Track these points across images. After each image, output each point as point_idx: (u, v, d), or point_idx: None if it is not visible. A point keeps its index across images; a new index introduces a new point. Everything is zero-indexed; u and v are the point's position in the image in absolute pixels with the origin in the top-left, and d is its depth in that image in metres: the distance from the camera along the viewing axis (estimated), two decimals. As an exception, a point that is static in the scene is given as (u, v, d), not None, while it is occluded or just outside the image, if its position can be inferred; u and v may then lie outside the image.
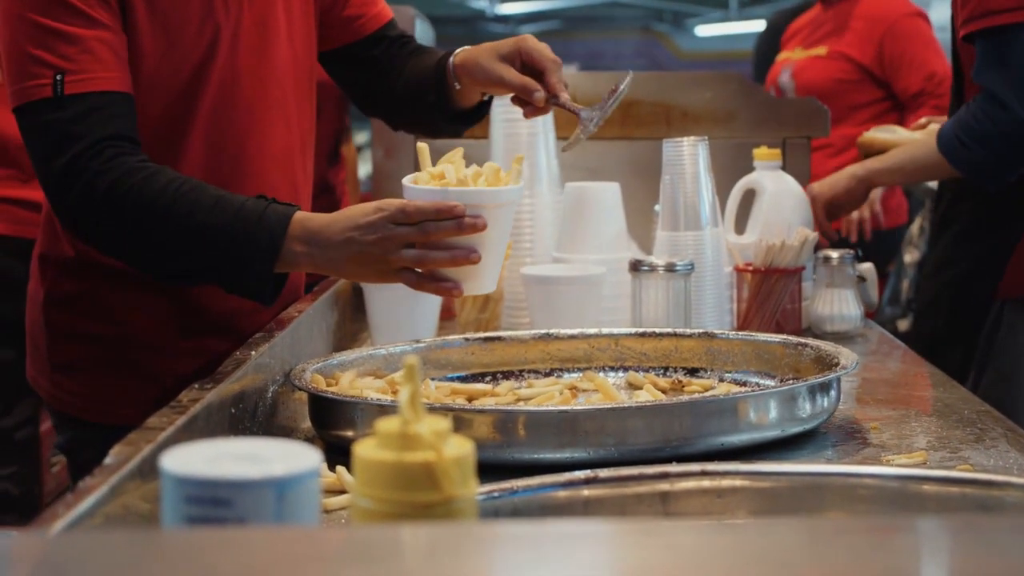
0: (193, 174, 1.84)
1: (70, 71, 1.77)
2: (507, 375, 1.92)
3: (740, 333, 1.94)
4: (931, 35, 4.10)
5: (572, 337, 1.95)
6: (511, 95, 1.98)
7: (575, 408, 1.57)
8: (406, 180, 1.74)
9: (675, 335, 1.94)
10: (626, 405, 1.59)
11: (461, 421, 1.50)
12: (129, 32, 1.84)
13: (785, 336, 1.92)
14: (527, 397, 1.79)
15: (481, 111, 2.10)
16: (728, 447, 1.56)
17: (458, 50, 2.05)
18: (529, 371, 1.93)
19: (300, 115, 2.06)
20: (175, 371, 1.95)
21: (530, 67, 1.95)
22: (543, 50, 1.96)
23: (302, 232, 1.72)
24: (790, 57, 4.28)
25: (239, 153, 1.96)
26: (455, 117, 2.10)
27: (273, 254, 1.72)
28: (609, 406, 1.58)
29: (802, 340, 1.86)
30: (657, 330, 1.96)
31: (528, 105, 1.94)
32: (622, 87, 1.95)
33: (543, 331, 1.96)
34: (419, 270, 1.69)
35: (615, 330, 1.97)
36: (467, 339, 1.93)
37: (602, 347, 1.94)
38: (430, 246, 1.67)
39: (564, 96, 1.92)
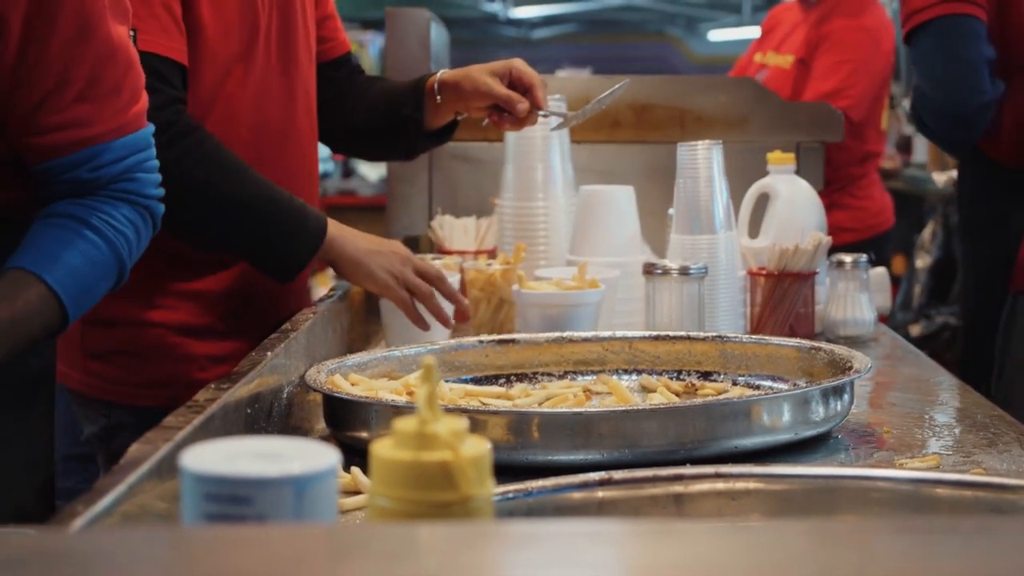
0: (243, 154, 2.00)
1: (140, 29, 1.87)
2: (521, 377, 1.92)
3: (753, 337, 1.94)
4: (865, 53, 3.91)
5: (586, 340, 1.96)
6: (485, 119, 2.21)
7: (589, 410, 1.58)
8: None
9: (688, 338, 1.94)
10: (640, 408, 1.60)
11: (475, 423, 1.50)
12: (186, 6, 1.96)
13: (799, 340, 1.92)
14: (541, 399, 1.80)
15: (447, 133, 2.31)
16: (741, 450, 1.56)
17: (436, 72, 2.25)
18: (543, 373, 1.93)
19: (313, 106, 2.19)
20: (213, 352, 2.04)
21: (518, 84, 2.17)
22: (532, 71, 2.19)
23: (335, 225, 2.04)
24: (765, 63, 4.15)
25: (278, 136, 2.09)
26: (423, 135, 2.28)
27: (320, 235, 2.01)
28: (623, 408, 1.59)
29: (815, 344, 1.86)
30: (670, 333, 1.96)
31: (508, 118, 2.18)
32: (614, 88, 2.22)
33: (557, 334, 1.96)
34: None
35: (629, 333, 1.97)
36: (481, 341, 1.93)
37: (616, 350, 1.95)
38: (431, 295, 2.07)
39: (546, 106, 2.18)
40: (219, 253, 2.06)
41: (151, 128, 1.67)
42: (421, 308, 2.08)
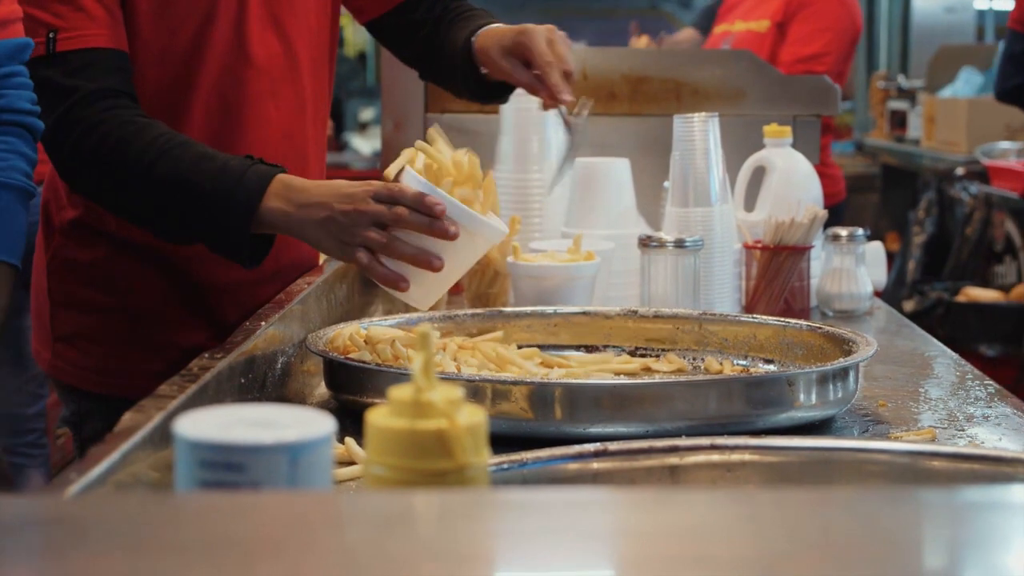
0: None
1: (62, 28, 1.78)
2: (591, 350, 1.91)
3: (813, 324, 1.87)
4: (843, 24, 4.10)
5: (657, 316, 1.94)
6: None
7: (613, 382, 1.57)
8: (406, 166, 1.74)
9: (750, 322, 1.90)
10: (664, 381, 1.59)
11: (497, 393, 1.50)
12: None
13: (848, 331, 1.81)
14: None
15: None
16: (775, 426, 1.55)
17: (479, 31, 2.01)
18: (610, 346, 1.92)
19: (315, 86, 2.05)
20: (179, 343, 1.95)
21: (533, 67, 1.91)
22: (540, 51, 1.89)
23: (283, 190, 1.70)
24: (729, 30, 4.23)
25: (243, 123, 1.95)
26: (494, 89, 2.07)
27: (250, 212, 1.69)
28: (644, 382, 1.58)
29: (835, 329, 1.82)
30: (741, 317, 1.92)
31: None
32: (583, 115, 1.94)
33: (628, 308, 1.95)
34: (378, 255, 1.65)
35: (693, 312, 1.94)
36: (555, 312, 1.93)
37: (686, 329, 1.92)
38: (398, 235, 1.64)
39: (565, 97, 1.87)
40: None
41: (28, 44, 1.65)
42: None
